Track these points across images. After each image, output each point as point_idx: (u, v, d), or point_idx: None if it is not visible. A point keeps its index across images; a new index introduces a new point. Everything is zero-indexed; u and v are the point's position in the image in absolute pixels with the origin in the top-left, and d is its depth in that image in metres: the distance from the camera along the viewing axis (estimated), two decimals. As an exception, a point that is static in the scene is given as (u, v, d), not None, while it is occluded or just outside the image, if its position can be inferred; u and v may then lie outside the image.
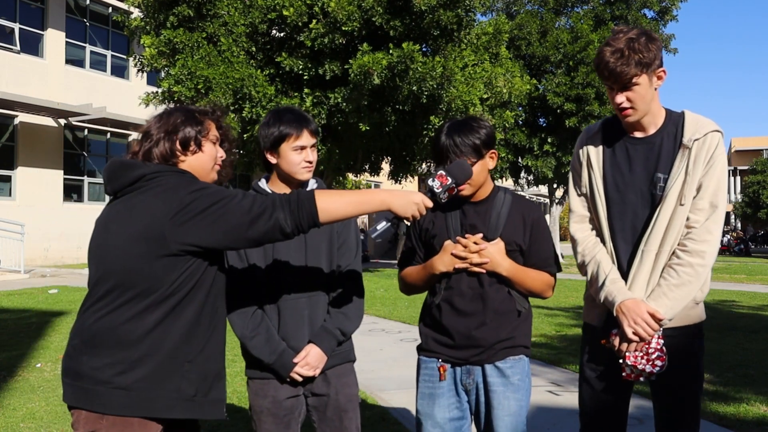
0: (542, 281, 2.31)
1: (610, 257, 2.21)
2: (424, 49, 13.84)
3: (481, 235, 2.25)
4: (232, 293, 2.19)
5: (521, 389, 2.26)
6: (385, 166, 17.73)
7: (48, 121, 17.09)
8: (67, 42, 17.85)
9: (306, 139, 2.27)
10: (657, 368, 2.08)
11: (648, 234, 2.13)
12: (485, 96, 14.66)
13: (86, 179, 18.42)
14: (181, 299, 1.83)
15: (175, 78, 12.84)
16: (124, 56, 18.92)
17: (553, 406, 4.58)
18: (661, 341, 2.09)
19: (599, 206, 2.23)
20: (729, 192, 58.20)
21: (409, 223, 2.36)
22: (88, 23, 18.64)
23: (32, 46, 17.07)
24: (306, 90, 13.25)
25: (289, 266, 2.29)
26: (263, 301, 2.30)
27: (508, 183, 29.85)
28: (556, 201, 24.51)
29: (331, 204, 1.85)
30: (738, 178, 56.41)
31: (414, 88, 12.46)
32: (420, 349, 2.40)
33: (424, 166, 17.10)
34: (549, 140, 21.93)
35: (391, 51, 12.28)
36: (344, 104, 12.94)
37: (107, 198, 1.97)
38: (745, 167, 48.03)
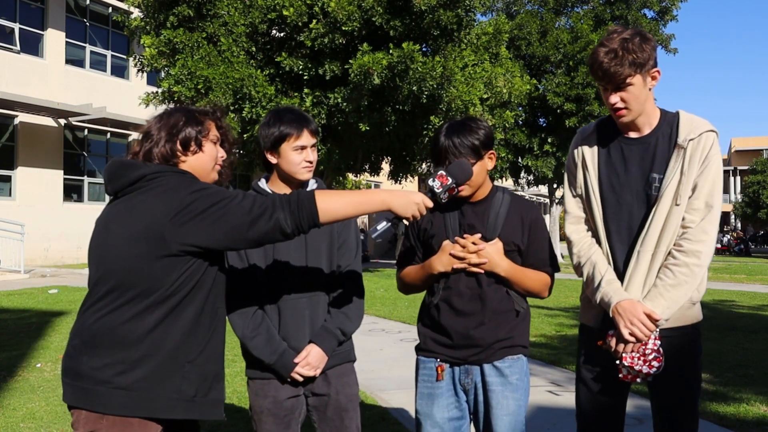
0: (540, 281, 2.31)
1: (606, 258, 2.21)
2: (424, 49, 13.84)
3: (479, 235, 2.25)
4: (233, 293, 2.20)
5: (520, 389, 2.27)
6: (385, 166, 17.73)
7: (48, 121, 17.09)
8: (67, 42, 17.85)
9: (306, 138, 2.27)
10: (654, 369, 2.07)
11: (644, 234, 2.13)
12: (485, 96, 14.66)
13: (86, 179, 18.42)
14: (182, 299, 1.83)
15: (175, 78, 12.84)
16: (124, 56, 18.92)
17: (553, 406, 4.58)
18: (658, 342, 2.08)
19: (595, 207, 2.23)
20: (729, 192, 58.21)
21: (408, 224, 2.36)
22: (88, 23, 18.65)
23: (32, 46, 17.07)
24: (306, 90, 13.25)
25: (289, 266, 2.29)
26: (264, 301, 2.30)
27: (508, 183, 29.85)
28: (556, 201, 24.52)
29: (331, 204, 1.85)
30: (738, 178, 56.42)
31: (414, 88, 12.46)
32: (418, 349, 2.40)
33: (424, 166, 17.11)
34: (549, 140, 21.94)
35: (391, 51, 12.29)
36: (344, 104, 12.94)
37: (107, 198, 1.97)
38: (745, 167, 48.04)
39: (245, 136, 12.96)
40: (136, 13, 15.34)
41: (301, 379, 2.27)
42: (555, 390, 5.00)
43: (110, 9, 19.16)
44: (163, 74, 13.91)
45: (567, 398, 4.71)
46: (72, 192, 18.04)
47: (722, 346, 6.80)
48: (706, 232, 2.08)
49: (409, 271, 2.40)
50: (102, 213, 1.93)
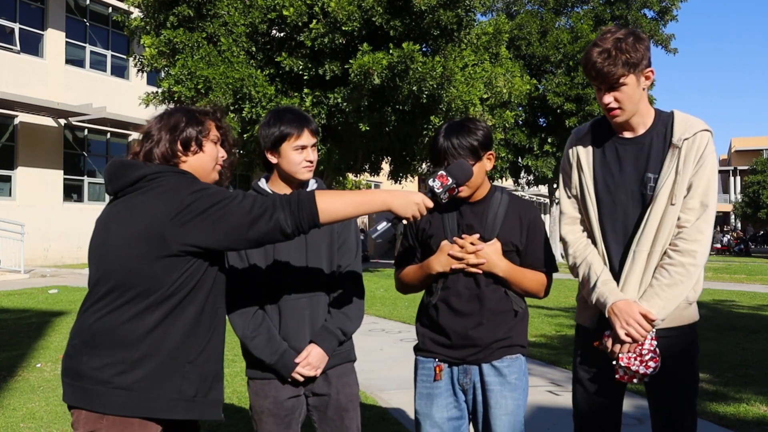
0: (538, 281, 2.31)
1: (601, 258, 2.20)
2: (424, 49, 13.84)
3: (477, 235, 2.25)
4: (233, 293, 2.20)
5: (518, 388, 2.27)
6: (385, 166, 17.73)
7: (48, 121, 17.09)
8: (67, 42, 17.85)
9: (306, 138, 2.27)
10: (650, 369, 2.07)
11: (639, 234, 2.12)
12: (485, 96, 14.66)
13: (86, 179, 18.42)
14: (182, 300, 1.83)
15: (175, 78, 12.84)
16: (124, 56, 18.92)
17: (553, 406, 4.58)
18: (654, 342, 2.08)
19: (590, 207, 2.22)
20: (729, 192, 58.19)
21: (406, 224, 2.36)
22: (88, 23, 18.65)
23: (32, 46, 17.07)
24: (306, 90, 13.25)
25: (289, 266, 2.29)
26: (264, 301, 2.30)
27: (508, 183, 29.85)
28: (556, 201, 24.50)
29: (331, 204, 1.86)
30: (738, 178, 56.41)
31: (414, 88, 12.46)
32: (417, 349, 2.40)
33: (424, 166, 17.11)
34: (549, 140, 21.96)
35: (391, 51, 12.29)
36: (344, 104, 12.94)
37: (107, 198, 1.97)
38: (745, 167, 48.05)
39: (245, 136, 12.96)
40: (136, 13, 15.34)
41: (301, 379, 2.27)
42: (555, 390, 5.01)
43: (110, 9, 19.16)
44: (163, 74, 13.91)
45: (567, 398, 4.71)
46: (72, 192, 18.04)
47: (722, 346, 6.80)
48: (701, 232, 2.08)
49: (407, 271, 2.41)
50: (102, 213, 1.93)
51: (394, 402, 4.73)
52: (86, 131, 18.37)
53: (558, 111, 21.11)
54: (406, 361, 6.05)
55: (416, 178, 21.58)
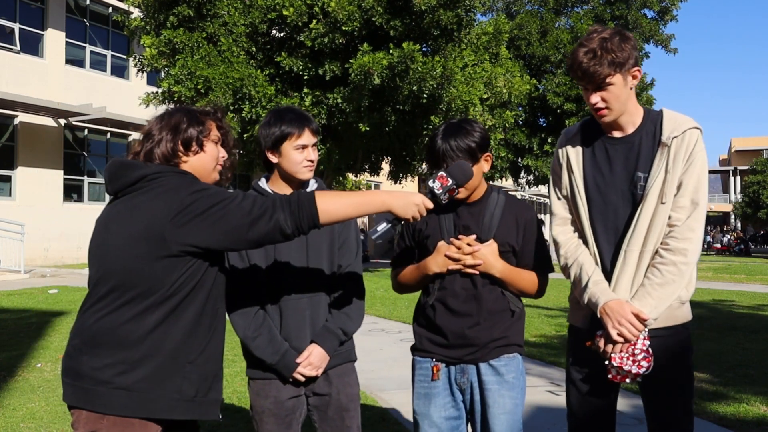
0: (534, 282, 2.32)
1: (593, 259, 2.20)
2: (424, 49, 13.84)
3: (474, 236, 2.25)
4: (234, 294, 2.20)
5: (516, 387, 2.27)
6: (385, 166, 17.74)
7: (48, 121, 17.09)
8: (67, 42, 17.85)
9: (307, 137, 2.27)
10: (643, 369, 2.06)
11: (630, 234, 2.12)
12: (485, 96, 14.68)
13: (86, 179, 18.42)
14: (182, 300, 1.83)
15: (175, 78, 12.84)
16: (124, 56, 18.92)
17: (552, 406, 4.58)
18: (647, 342, 2.07)
19: (581, 208, 2.21)
20: (729, 192, 58.20)
21: (404, 224, 2.36)
22: (88, 23, 18.65)
23: (32, 46, 17.07)
24: (306, 90, 13.25)
25: (290, 267, 2.29)
26: (265, 301, 2.30)
27: (508, 183, 29.85)
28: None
29: (331, 205, 1.86)
30: (738, 178, 56.43)
31: (414, 88, 12.46)
32: (414, 350, 2.40)
33: (424, 166, 17.11)
34: (549, 140, 21.96)
35: (391, 51, 12.29)
36: (344, 104, 12.94)
37: (107, 198, 1.98)
38: (745, 167, 48.06)
39: (245, 136, 12.97)
40: (136, 13, 15.34)
41: (303, 379, 2.27)
42: (555, 390, 5.01)
43: (110, 9, 19.16)
44: (163, 74, 13.91)
45: (567, 398, 4.71)
46: (72, 192, 18.04)
47: (722, 346, 6.80)
48: (692, 230, 2.07)
49: (404, 271, 2.41)
50: (102, 213, 1.93)
51: (394, 402, 4.73)
52: (86, 131, 18.37)
53: (558, 111, 21.12)
54: (406, 361, 6.01)
55: (416, 178, 21.60)
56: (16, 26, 16.61)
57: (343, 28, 12.54)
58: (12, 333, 7.24)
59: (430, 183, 2.02)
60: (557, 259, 2.30)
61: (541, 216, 26.53)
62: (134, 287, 1.79)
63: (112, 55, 19.27)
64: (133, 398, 1.78)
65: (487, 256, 2.22)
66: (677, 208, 2.08)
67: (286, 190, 2.29)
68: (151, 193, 1.82)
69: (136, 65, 14.67)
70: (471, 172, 2.13)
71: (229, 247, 1.86)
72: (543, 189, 30.86)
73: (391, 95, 12.92)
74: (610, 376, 2.12)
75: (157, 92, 14.21)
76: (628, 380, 2.10)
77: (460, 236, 2.26)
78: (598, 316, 2.10)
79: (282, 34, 13.96)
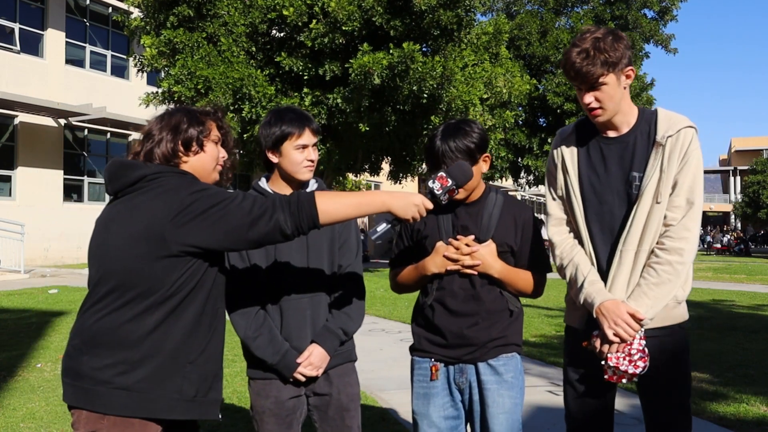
0: (533, 282, 2.32)
1: (589, 259, 2.19)
2: (424, 49, 13.85)
3: (472, 237, 2.25)
4: (235, 294, 2.20)
5: (515, 387, 2.27)
6: (385, 166, 17.75)
7: (48, 121, 17.09)
8: (67, 42, 17.85)
9: (308, 137, 2.27)
10: (639, 369, 2.06)
11: (626, 234, 2.11)
12: (485, 96, 14.68)
13: (86, 179, 18.43)
14: (182, 300, 1.83)
15: (175, 78, 12.85)
16: (124, 56, 18.92)
17: (552, 406, 4.58)
18: (643, 342, 2.07)
19: (576, 208, 2.21)
20: (729, 192, 58.18)
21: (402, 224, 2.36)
22: (88, 23, 18.65)
23: (32, 46, 17.07)
24: (306, 90, 13.26)
25: (291, 267, 2.29)
26: (265, 301, 2.30)
27: (508, 183, 29.85)
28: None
29: (331, 206, 1.86)
30: (738, 178, 56.43)
31: (414, 88, 12.46)
32: (413, 350, 2.41)
33: (424, 166, 17.11)
34: (549, 140, 21.95)
35: (391, 51, 12.29)
36: (344, 104, 12.95)
37: (107, 198, 1.98)
38: (745, 167, 48.06)
39: (245, 136, 12.97)
40: (136, 13, 15.35)
41: (303, 379, 2.27)
42: (554, 390, 5.01)
43: (110, 9, 19.16)
44: (163, 74, 13.92)
45: (567, 398, 4.71)
46: (72, 192, 18.04)
47: (722, 346, 6.80)
48: (688, 229, 2.06)
49: (402, 272, 2.41)
50: (102, 213, 1.93)
51: (394, 402, 4.73)
52: (86, 131, 18.37)
53: (558, 111, 21.13)
54: (405, 361, 6.01)
55: (416, 178, 21.60)
56: (16, 26, 16.62)
57: (343, 28, 12.55)
58: (12, 333, 7.24)
59: (430, 183, 2.02)
60: (553, 259, 2.29)
61: (541, 216, 26.54)
62: (134, 287, 1.79)
63: (112, 55, 19.28)
64: (133, 398, 1.78)
65: (485, 256, 2.23)
66: (673, 208, 2.08)
67: (286, 190, 2.29)
68: (151, 194, 1.82)
69: (136, 65, 14.68)
70: (471, 173, 2.13)
71: (229, 247, 1.86)
72: (543, 189, 30.84)
73: (391, 95, 12.92)
74: (606, 376, 2.11)
75: (157, 92, 14.21)
76: (624, 380, 2.10)
77: (458, 236, 2.26)
78: (594, 316, 2.10)
79: (282, 34, 13.96)
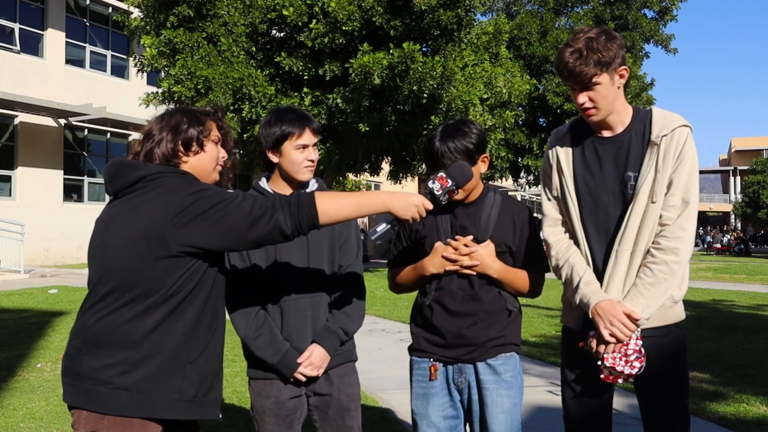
0: (531, 282, 2.32)
1: (584, 259, 2.19)
2: (424, 49, 13.85)
3: (471, 237, 2.25)
4: (235, 294, 2.21)
5: (514, 386, 2.28)
6: (385, 166, 17.75)
7: (48, 121, 17.09)
8: (67, 42, 17.86)
9: (308, 137, 2.28)
10: (635, 369, 2.05)
11: (621, 234, 2.11)
12: (485, 96, 14.68)
13: (86, 179, 18.43)
14: (182, 300, 1.83)
15: (175, 78, 12.85)
16: (124, 56, 18.93)
17: (552, 406, 4.58)
18: (640, 342, 2.06)
19: (571, 208, 2.20)
20: (729, 192, 58.18)
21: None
22: (88, 23, 18.65)
23: (32, 46, 17.07)
24: (305, 90, 13.26)
25: (291, 267, 2.29)
26: (266, 301, 2.31)
27: (508, 183, 29.84)
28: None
29: (331, 206, 1.86)
30: (738, 178, 56.43)
31: (414, 88, 12.46)
32: (412, 350, 2.41)
33: (423, 166, 17.12)
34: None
35: (391, 51, 12.29)
36: (344, 104, 12.95)
37: (107, 198, 1.98)
38: (745, 167, 48.06)
39: (245, 136, 12.97)
40: (136, 13, 15.35)
41: (304, 379, 2.27)
42: (554, 390, 5.01)
43: (110, 9, 19.16)
44: (163, 74, 13.92)
45: (567, 398, 4.70)
46: (72, 192, 18.04)
47: (722, 346, 6.80)
48: (683, 229, 2.06)
49: (401, 272, 2.41)
50: (102, 213, 1.93)
51: (394, 402, 4.73)
52: (86, 131, 18.37)
53: (558, 111, 21.13)
54: (405, 361, 6.00)
55: (416, 178, 21.60)
56: (16, 26, 16.62)
57: (343, 28, 12.55)
58: (12, 333, 7.24)
59: (430, 184, 2.02)
60: (549, 259, 2.29)
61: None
62: (134, 287, 1.79)
63: (112, 55, 19.28)
64: (133, 398, 1.78)
65: (484, 256, 2.23)
66: (668, 207, 2.07)
67: (286, 190, 2.29)
68: (151, 194, 1.83)
69: (136, 65, 14.68)
70: (471, 173, 2.13)
71: (229, 247, 1.86)
72: (543, 189, 30.83)
73: (391, 95, 12.93)
74: (602, 376, 2.11)
75: (157, 92, 14.21)
76: (620, 381, 2.09)
77: (456, 237, 2.26)
78: (590, 316, 2.09)
79: (282, 34, 13.96)
